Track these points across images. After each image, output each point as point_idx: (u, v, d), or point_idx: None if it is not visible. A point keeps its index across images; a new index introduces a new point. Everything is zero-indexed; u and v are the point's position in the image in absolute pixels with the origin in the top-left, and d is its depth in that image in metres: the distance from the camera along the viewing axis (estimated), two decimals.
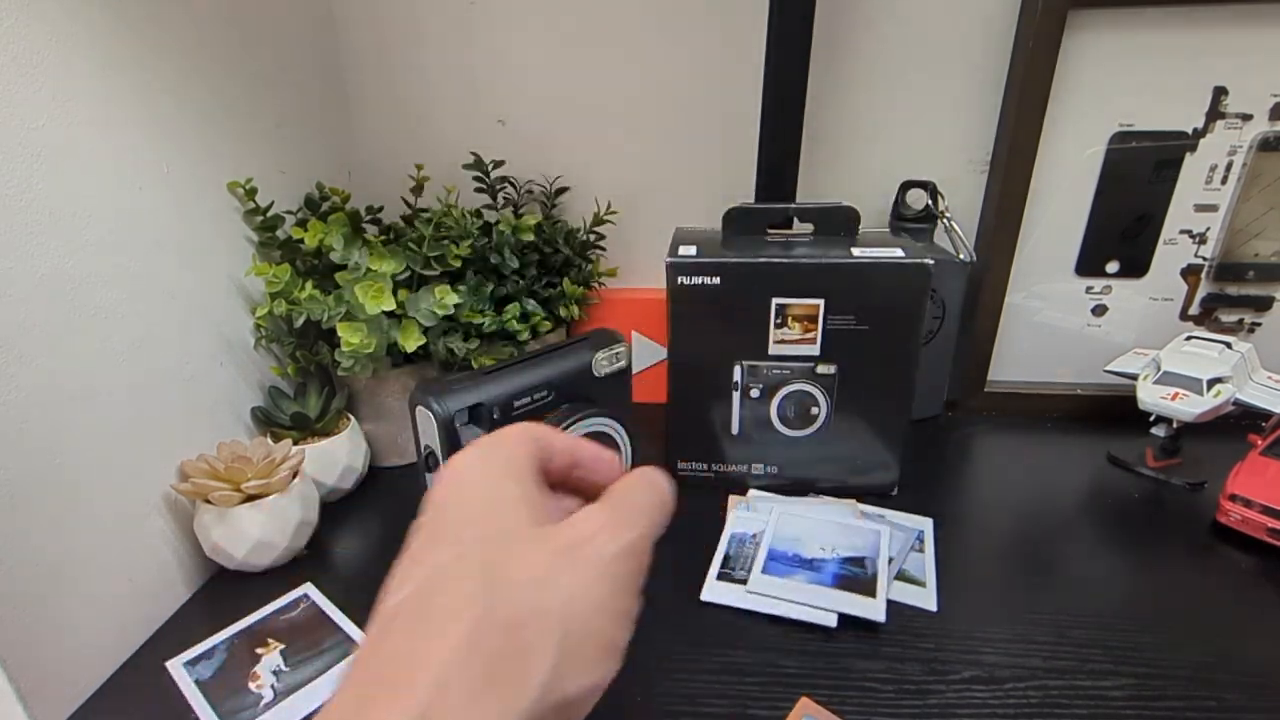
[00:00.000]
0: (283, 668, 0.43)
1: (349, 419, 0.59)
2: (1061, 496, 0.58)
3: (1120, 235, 0.65)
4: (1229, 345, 0.59)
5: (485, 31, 0.68)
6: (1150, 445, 0.62)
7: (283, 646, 0.44)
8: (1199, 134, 0.61)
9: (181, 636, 0.45)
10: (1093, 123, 0.62)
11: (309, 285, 0.54)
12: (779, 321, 0.53)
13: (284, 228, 0.58)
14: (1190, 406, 0.55)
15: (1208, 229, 0.64)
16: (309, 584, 0.49)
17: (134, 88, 0.45)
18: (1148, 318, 0.68)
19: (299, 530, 0.51)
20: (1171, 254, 0.65)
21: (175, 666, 0.43)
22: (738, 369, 0.55)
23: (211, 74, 0.52)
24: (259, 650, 0.44)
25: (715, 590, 0.48)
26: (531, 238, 0.63)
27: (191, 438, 0.49)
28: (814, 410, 0.55)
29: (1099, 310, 0.69)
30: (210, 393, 0.52)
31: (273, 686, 0.41)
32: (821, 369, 0.54)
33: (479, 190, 0.68)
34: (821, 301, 0.51)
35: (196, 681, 0.42)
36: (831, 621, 0.44)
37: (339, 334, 0.53)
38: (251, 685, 0.41)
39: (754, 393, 0.55)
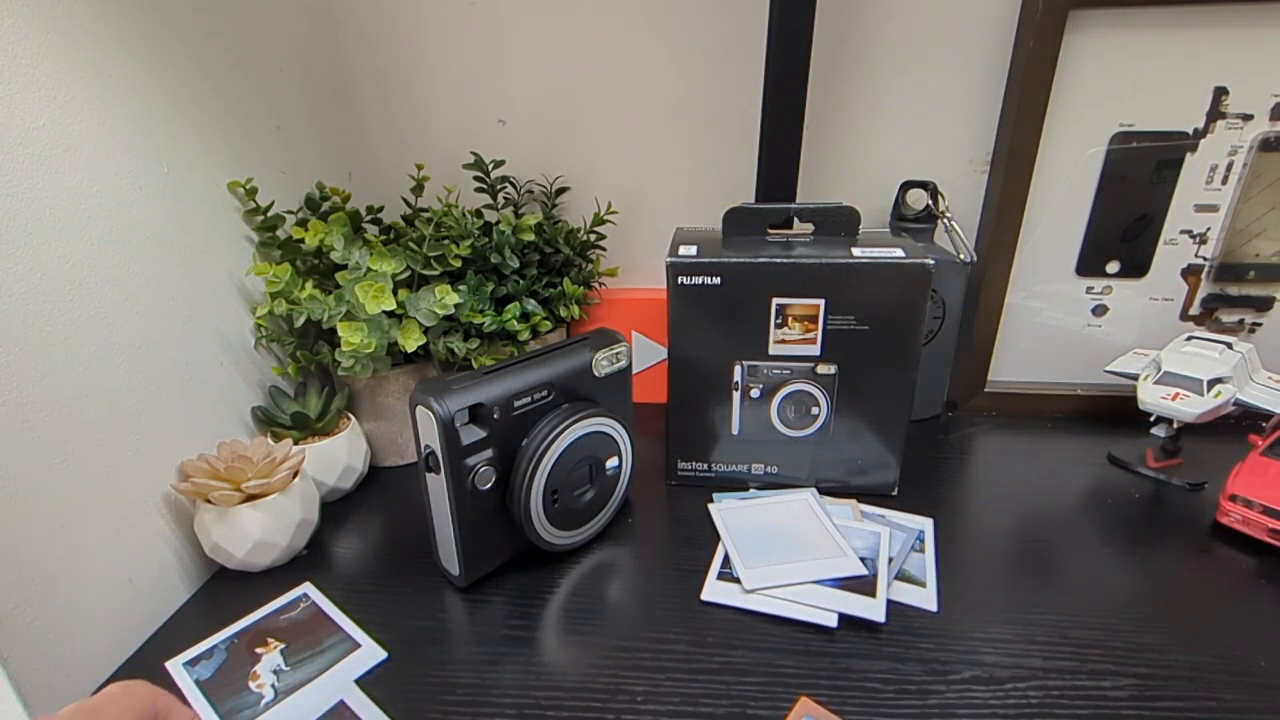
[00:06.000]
0: (283, 667, 0.43)
1: (349, 419, 0.59)
2: (1062, 497, 0.58)
3: (1121, 235, 0.65)
4: (1230, 345, 0.59)
5: (485, 31, 0.68)
6: (1150, 445, 0.62)
7: (283, 646, 0.44)
8: (1199, 134, 0.61)
9: (181, 636, 0.45)
10: (1093, 123, 0.62)
11: (309, 285, 0.54)
12: (779, 321, 0.53)
13: (284, 227, 0.59)
14: (1191, 407, 0.55)
15: (1208, 229, 0.64)
16: (308, 583, 0.49)
17: (134, 88, 0.45)
18: (1148, 318, 0.68)
19: (299, 530, 0.51)
20: (1172, 254, 0.65)
21: (175, 667, 0.43)
22: (738, 369, 0.55)
23: (212, 74, 0.52)
24: (259, 650, 0.44)
25: (715, 590, 0.48)
26: (532, 237, 0.63)
27: (191, 438, 0.49)
28: (814, 410, 0.55)
29: (1099, 310, 0.69)
30: (210, 393, 0.52)
31: (273, 686, 0.41)
32: (822, 369, 0.54)
33: (479, 190, 0.68)
34: (822, 301, 0.51)
35: (197, 681, 0.42)
36: (832, 621, 0.44)
37: (339, 334, 0.53)
38: (252, 685, 0.41)
39: (754, 393, 0.55)
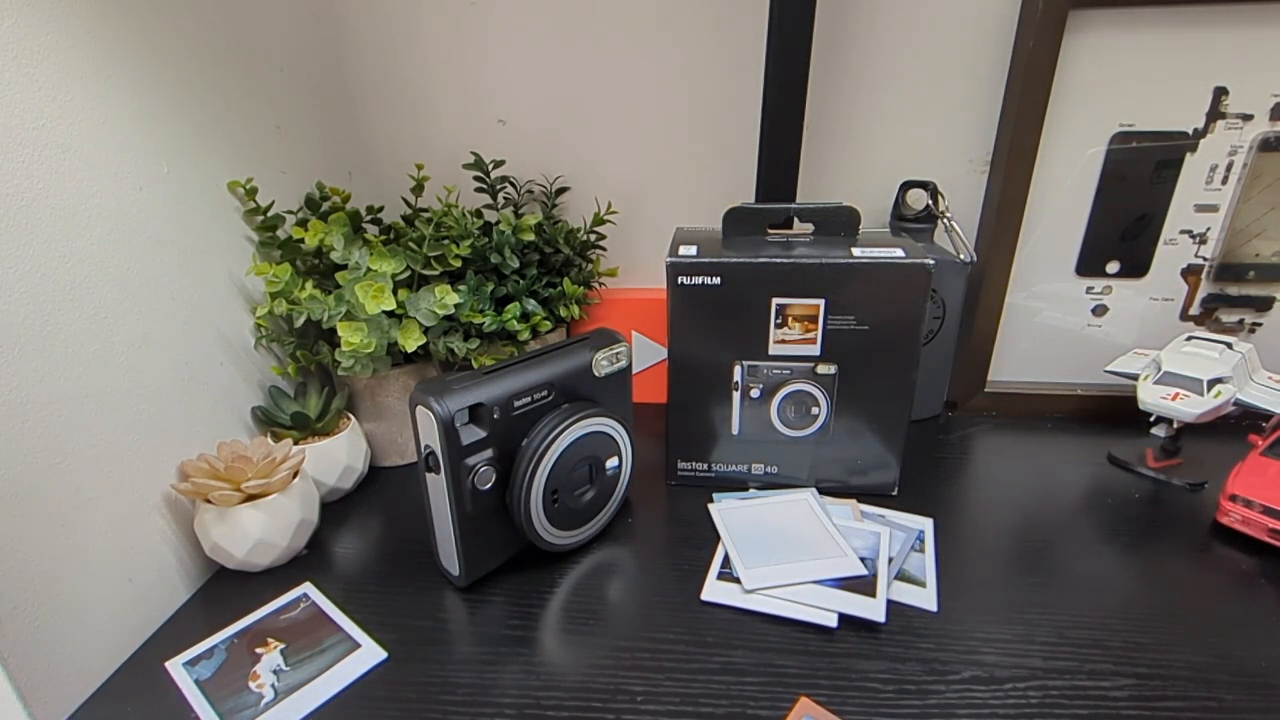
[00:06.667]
0: (283, 667, 0.43)
1: (349, 419, 0.59)
2: (1062, 497, 0.58)
3: (1120, 235, 0.65)
4: (1229, 345, 0.59)
5: (485, 31, 0.68)
6: (1150, 446, 0.62)
7: (283, 646, 0.44)
8: (1199, 134, 0.61)
9: (181, 636, 0.45)
10: (1093, 123, 0.62)
11: (309, 285, 0.54)
12: (779, 321, 0.53)
13: (284, 227, 0.58)
14: (1191, 407, 0.55)
15: (1208, 229, 0.64)
16: (308, 583, 0.49)
17: (134, 88, 0.45)
18: (1148, 318, 0.68)
19: (299, 530, 0.51)
20: (1172, 254, 0.65)
21: (175, 667, 0.43)
22: (738, 369, 0.55)
23: (212, 74, 0.52)
24: (259, 650, 0.44)
25: (715, 590, 0.48)
26: (532, 237, 0.63)
27: (191, 438, 0.49)
28: (814, 410, 0.55)
29: (1099, 310, 0.69)
30: (210, 393, 0.52)
31: (273, 686, 0.41)
32: (822, 369, 0.54)
33: (479, 190, 0.68)
34: (822, 301, 0.51)
35: (197, 681, 0.42)
36: (832, 621, 0.44)
37: (339, 334, 0.53)
38: (252, 685, 0.41)
39: (754, 393, 0.55)
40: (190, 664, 0.43)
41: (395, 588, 0.49)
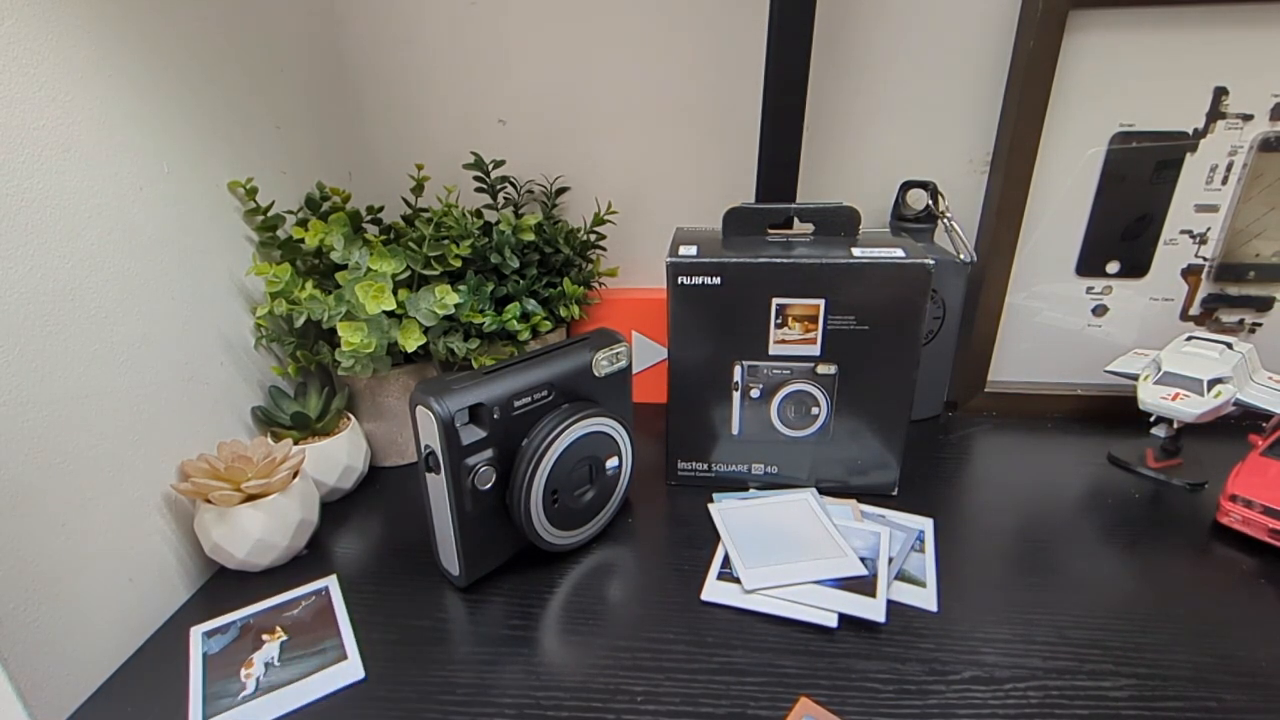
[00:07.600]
0: (274, 662, 0.43)
1: (349, 419, 0.59)
2: (1062, 497, 0.58)
3: (1121, 235, 0.65)
4: (1230, 346, 0.59)
5: (485, 31, 0.68)
6: (1150, 446, 0.62)
7: (284, 639, 0.44)
8: (1199, 134, 0.61)
9: (181, 635, 0.45)
10: (1093, 123, 0.62)
11: (309, 285, 0.54)
12: (779, 321, 0.53)
13: (284, 227, 0.59)
14: (1191, 407, 0.55)
15: (1208, 229, 0.64)
16: (334, 577, 0.50)
17: (134, 88, 0.45)
18: (1148, 318, 0.68)
19: (299, 530, 0.51)
20: (1172, 254, 0.65)
21: (196, 634, 0.45)
22: (738, 369, 0.55)
23: (212, 74, 0.52)
24: (264, 636, 0.44)
25: (715, 590, 0.48)
26: (532, 237, 0.63)
27: (191, 438, 0.49)
28: (814, 410, 0.55)
29: (1099, 310, 0.69)
30: (210, 393, 0.52)
31: (257, 679, 0.41)
32: (822, 369, 0.54)
33: (479, 190, 0.68)
34: (822, 301, 0.51)
35: (205, 655, 0.43)
36: (832, 621, 0.44)
37: (339, 334, 0.53)
38: (243, 673, 0.42)
39: (754, 393, 0.55)
40: (209, 634, 0.45)
41: (395, 588, 0.49)
